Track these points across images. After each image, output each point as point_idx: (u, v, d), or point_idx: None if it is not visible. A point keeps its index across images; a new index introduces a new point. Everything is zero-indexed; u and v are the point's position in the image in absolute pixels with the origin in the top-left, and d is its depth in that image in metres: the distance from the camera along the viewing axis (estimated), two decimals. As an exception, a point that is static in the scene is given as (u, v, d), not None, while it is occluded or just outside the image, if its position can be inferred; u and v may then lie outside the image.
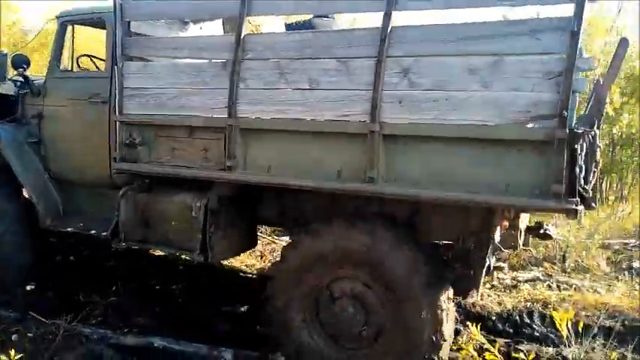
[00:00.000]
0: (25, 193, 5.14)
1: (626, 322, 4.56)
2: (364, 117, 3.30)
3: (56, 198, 4.98)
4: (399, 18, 3.23)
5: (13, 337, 3.03)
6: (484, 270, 3.62)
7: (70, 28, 4.88)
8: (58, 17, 4.89)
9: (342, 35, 3.43)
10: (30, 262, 5.11)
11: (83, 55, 5.19)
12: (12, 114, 5.27)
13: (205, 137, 3.94)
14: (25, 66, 4.96)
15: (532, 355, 2.97)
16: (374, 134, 3.26)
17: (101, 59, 5.21)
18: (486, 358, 2.85)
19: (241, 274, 5.94)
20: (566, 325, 2.51)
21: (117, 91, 4.14)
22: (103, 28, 4.75)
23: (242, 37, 3.64)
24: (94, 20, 4.79)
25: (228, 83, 3.70)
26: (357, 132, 3.35)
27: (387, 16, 3.19)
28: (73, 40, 4.93)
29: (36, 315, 4.35)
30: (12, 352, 3.11)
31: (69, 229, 4.84)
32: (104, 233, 4.68)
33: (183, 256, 5.50)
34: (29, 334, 3.63)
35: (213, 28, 4.92)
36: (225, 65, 3.73)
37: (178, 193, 4.19)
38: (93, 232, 4.76)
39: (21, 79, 5.02)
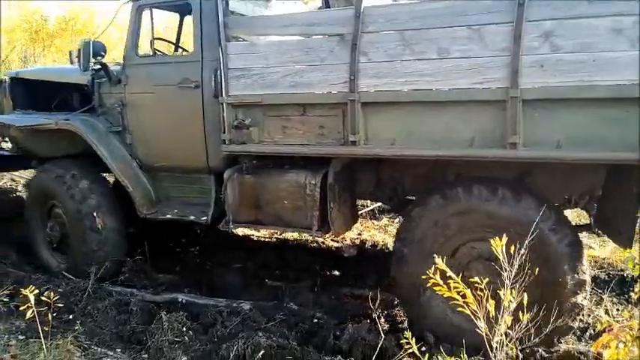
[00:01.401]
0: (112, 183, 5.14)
1: (611, 273, 4.93)
2: (502, 83, 3.33)
3: (147, 186, 4.96)
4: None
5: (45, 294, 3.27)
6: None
7: (147, 12, 4.76)
8: (133, 2, 4.77)
9: (473, 3, 3.41)
10: (125, 253, 5.13)
11: (157, 39, 5.07)
12: (85, 104, 5.20)
13: (321, 114, 3.94)
14: (103, 53, 4.87)
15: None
16: (515, 100, 3.29)
17: (170, 42, 5.12)
18: None
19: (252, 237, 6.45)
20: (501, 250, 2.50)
21: (221, 72, 4.09)
22: (185, 12, 4.67)
23: (362, 10, 3.60)
24: (178, 4, 4.69)
25: (349, 58, 3.69)
26: (494, 99, 3.38)
27: (525, -19, 3.19)
28: (152, 26, 4.81)
29: (67, 274, 4.97)
30: (51, 294, 3.36)
31: (167, 217, 4.85)
32: (204, 218, 4.71)
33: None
34: (60, 290, 3.82)
35: (295, 4, 4.87)
36: (343, 39, 3.71)
37: (289, 171, 4.21)
38: (192, 218, 4.77)
39: (98, 66, 4.93)
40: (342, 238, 6.01)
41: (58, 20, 15.14)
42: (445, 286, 2.53)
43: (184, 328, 3.86)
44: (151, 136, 4.83)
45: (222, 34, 4.04)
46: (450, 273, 2.56)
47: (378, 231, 6.52)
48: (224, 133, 4.21)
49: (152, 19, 4.78)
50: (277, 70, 3.95)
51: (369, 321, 3.81)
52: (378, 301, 3.46)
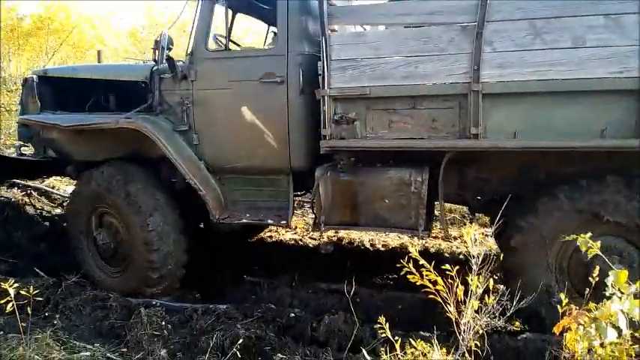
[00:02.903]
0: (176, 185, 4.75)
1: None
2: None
3: (217, 188, 4.61)
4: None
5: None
6: None
7: (219, 6, 4.50)
8: None
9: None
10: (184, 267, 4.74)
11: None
12: (139, 102, 4.83)
13: (433, 106, 3.78)
14: (172, 47, 4.56)
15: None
16: (655, 89, 3.26)
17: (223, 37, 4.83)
18: None
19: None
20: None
21: (324, 64, 3.87)
22: (265, 5, 4.44)
23: (487, -1, 3.51)
24: None
25: (471, 47, 3.57)
26: (632, 88, 3.33)
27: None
28: (227, 20, 4.54)
29: (39, 271, 4.94)
30: (31, 288, 3.33)
31: (243, 221, 4.51)
32: (283, 222, 4.41)
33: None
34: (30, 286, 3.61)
35: None
36: (465, 29, 3.59)
37: (392, 168, 4.01)
38: (269, 221, 4.46)
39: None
40: (320, 235, 5.65)
41: (34, 19, 14.48)
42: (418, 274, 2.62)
43: (163, 322, 3.88)
44: (225, 135, 4.50)
45: (325, 24, 3.83)
46: (422, 262, 2.61)
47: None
48: (324, 127, 3.96)
49: (227, 12, 4.52)
50: (389, 61, 3.78)
51: (344, 313, 3.82)
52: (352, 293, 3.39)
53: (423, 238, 4.12)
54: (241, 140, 4.45)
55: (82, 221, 4.92)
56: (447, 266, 2.55)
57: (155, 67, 4.67)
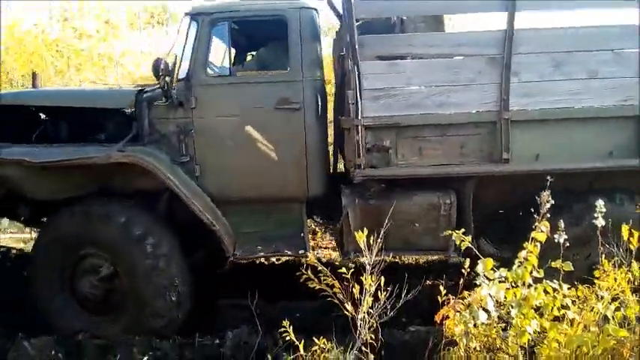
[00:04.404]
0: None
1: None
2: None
3: (226, 223, 4.31)
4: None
5: None
6: None
7: (221, 27, 4.22)
8: (201, 14, 4.18)
9: (617, 28, 3.85)
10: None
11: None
12: (120, 132, 4.33)
13: (462, 133, 3.97)
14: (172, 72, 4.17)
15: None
16: (656, 115, 3.81)
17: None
18: None
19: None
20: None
21: (356, 93, 3.85)
22: (274, 27, 4.26)
23: (513, 32, 3.78)
24: (266, 17, 4.24)
25: (499, 78, 3.82)
26: (633, 115, 3.85)
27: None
28: (230, 41, 4.26)
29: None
30: None
31: (260, 255, 4.28)
32: (301, 251, 4.29)
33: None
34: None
35: None
36: (494, 60, 3.83)
37: (421, 193, 4.11)
38: (288, 252, 4.30)
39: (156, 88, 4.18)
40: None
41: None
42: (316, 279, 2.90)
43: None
44: (234, 165, 4.21)
45: (357, 53, 3.81)
46: (320, 267, 2.89)
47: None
48: (358, 157, 3.93)
49: (230, 34, 4.24)
50: (421, 91, 3.88)
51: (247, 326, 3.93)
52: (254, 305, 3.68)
53: (451, 259, 4.26)
54: (253, 169, 4.21)
55: (53, 267, 4.24)
56: (343, 269, 2.79)
57: (145, 94, 4.22)
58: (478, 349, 2.57)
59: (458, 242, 2.76)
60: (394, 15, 4.32)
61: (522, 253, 2.46)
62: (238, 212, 4.38)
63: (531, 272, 2.38)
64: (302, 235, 4.34)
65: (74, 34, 11.22)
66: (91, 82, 9.93)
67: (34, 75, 5.18)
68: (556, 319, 2.47)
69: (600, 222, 2.78)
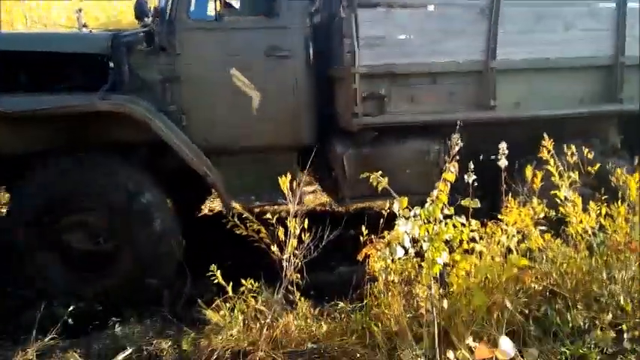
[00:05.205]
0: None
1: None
2: (612, 51, 4.18)
3: (219, 173, 4.26)
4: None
5: None
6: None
7: None
8: None
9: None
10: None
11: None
12: (97, 79, 4.10)
13: (451, 82, 4.15)
14: (151, 15, 4.00)
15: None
16: (622, 64, 4.18)
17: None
18: None
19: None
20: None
21: (354, 41, 3.89)
22: None
23: (500, -16, 3.97)
24: None
25: (489, 28, 4.02)
26: (605, 64, 4.21)
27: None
28: (218, -15, 4.11)
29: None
30: None
31: (255, 205, 4.28)
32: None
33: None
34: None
35: None
36: (483, 11, 4.01)
37: (411, 140, 4.28)
38: (283, 201, 4.33)
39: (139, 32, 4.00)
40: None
41: None
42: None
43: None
44: (225, 114, 4.13)
45: (354, 2, 3.85)
46: (245, 214, 2.99)
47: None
48: (356, 105, 4.00)
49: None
50: (415, 39, 4.00)
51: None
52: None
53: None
54: (243, 118, 4.16)
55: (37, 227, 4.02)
56: (268, 215, 2.88)
57: (124, 37, 4.00)
58: (396, 281, 2.78)
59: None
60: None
61: (434, 192, 2.50)
62: (228, 163, 4.33)
63: (442, 209, 2.44)
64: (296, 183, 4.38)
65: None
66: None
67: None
68: (466, 252, 2.63)
69: (503, 162, 2.92)
